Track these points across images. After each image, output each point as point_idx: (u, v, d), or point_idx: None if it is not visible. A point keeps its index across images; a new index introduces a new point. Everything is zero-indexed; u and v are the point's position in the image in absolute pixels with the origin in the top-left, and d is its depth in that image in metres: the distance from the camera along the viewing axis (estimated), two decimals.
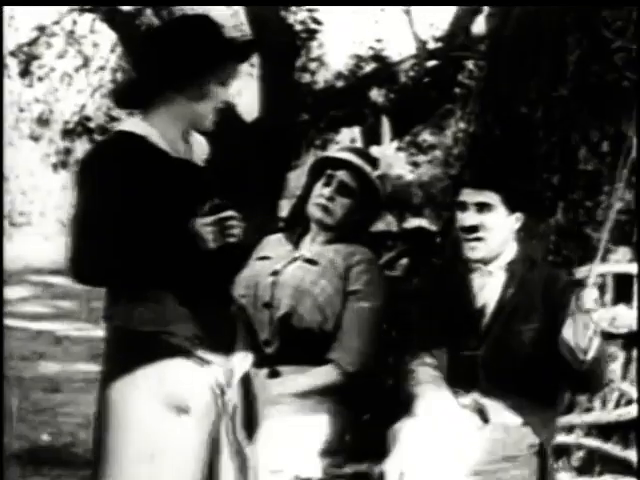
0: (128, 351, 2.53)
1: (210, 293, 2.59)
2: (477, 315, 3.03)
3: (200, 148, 2.74)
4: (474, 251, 3.02)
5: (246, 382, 2.70)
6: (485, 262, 3.05)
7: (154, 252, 2.51)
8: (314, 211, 3.26)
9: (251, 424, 2.70)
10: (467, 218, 3.01)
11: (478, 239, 3.01)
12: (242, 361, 2.66)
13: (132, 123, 2.65)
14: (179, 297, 2.53)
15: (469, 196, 3.02)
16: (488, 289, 3.04)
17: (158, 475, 2.48)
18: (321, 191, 3.25)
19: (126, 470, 2.48)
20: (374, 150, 3.38)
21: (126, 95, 2.72)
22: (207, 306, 2.56)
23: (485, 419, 2.91)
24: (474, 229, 3.00)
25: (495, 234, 3.02)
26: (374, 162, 3.29)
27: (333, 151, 3.61)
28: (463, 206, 3.02)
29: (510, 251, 3.08)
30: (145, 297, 2.52)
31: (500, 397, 2.95)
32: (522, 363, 2.97)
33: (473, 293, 3.05)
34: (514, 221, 3.05)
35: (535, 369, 2.97)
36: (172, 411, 2.49)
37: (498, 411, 2.93)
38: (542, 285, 3.03)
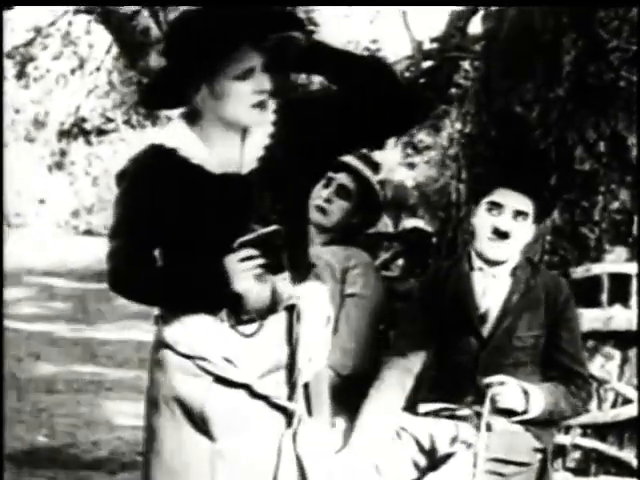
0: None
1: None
2: (480, 319, 3.01)
3: (254, 149, 2.43)
4: (497, 253, 2.99)
5: None
6: (496, 263, 3.03)
7: (189, 279, 2.37)
8: (311, 213, 3.26)
9: None
10: (502, 223, 2.96)
11: (506, 243, 2.99)
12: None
13: (170, 131, 2.44)
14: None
15: (508, 199, 2.96)
16: (492, 293, 3.02)
17: None
18: (320, 193, 3.26)
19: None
20: (377, 155, 3.38)
21: (157, 93, 2.42)
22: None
23: (488, 427, 2.89)
24: (506, 235, 2.97)
25: (520, 241, 3.01)
26: (376, 167, 3.30)
27: None
28: (499, 207, 2.97)
29: (516, 256, 3.07)
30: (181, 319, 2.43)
31: None
32: (520, 368, 2.97)
33: (476, 296, 3.03)
34: (532, 230, 3.05)
35: (533, 373, 2.98)
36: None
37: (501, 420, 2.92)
38: (545, 293, 3.02)
